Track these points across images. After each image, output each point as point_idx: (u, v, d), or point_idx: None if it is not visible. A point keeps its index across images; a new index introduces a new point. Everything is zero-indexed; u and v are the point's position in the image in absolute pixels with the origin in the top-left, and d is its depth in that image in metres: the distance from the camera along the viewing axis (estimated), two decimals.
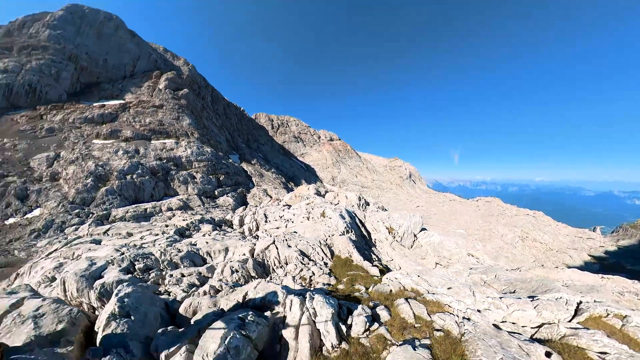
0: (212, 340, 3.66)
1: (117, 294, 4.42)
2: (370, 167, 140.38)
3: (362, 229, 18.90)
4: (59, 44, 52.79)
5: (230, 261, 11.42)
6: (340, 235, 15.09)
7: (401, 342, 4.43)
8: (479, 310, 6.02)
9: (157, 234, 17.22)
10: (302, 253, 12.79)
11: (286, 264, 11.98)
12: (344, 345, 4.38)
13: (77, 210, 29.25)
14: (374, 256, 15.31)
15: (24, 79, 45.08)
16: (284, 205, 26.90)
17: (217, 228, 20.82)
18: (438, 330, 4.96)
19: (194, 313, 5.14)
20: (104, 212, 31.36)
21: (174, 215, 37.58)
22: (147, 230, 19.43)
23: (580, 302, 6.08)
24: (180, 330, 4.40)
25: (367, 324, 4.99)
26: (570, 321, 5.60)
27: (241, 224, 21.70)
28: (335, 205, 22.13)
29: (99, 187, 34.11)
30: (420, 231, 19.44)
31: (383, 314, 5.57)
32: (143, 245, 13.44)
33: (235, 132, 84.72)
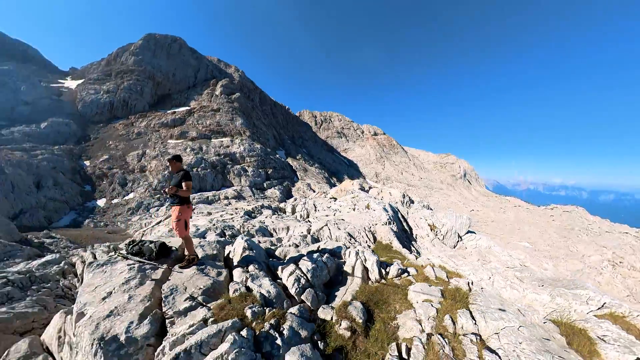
0: (307, 262, 6.10)
1: (242, 238, 6.77)
2: (417, 163, 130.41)
3: (404, 224, 19.28)
4: (141, 67, 64.18)
5: (292, 236, 13.53)
6: (382, 225, 16.46)
7: (421, 281, 6.55)
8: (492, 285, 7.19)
9: (232, 214, 20.97)
10: (350, 235, 14.80)
11: (337, 241, 13.69)
12: (382, 281, 6.57)
13: (158, 195, 34.82)
14: (413, 249, 16.20)
15: (120, 96, 56.25)
16: (330, 198, 28.70)
17: (275, 213, 22.96)
18: (451, 286, 6.40)
19: (285, 256, 7.37)
20: None
21: (229, 203, 41.58)
22: (222, 211, 22.61)
23: (605, 303, 5.70)
24: (282, 260, 6.82)
25: (399, 271, 7.16)
26: (587, 314, 5.54)
27: (293, 211, 23.75)
28: (379, 200, 23.11)
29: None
30: (467, 233, 18.39)
31: (411, 271, 7.52)
32: (225, 221, 17.26)
33: (281, 129, 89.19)
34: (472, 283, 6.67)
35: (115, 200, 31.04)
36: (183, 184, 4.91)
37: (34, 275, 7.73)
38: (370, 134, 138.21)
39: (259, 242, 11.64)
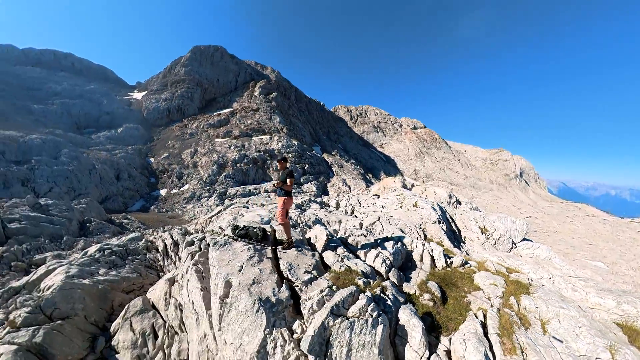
0: (388, 248, 6.92)
1: (322, 227, 7.65)
2: (463, 160, 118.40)
3: (453, 225, 18.81)
4: (190, 76, 71.51)
5: (347, 229, 13.79)
6: (432, 223, 16.68)
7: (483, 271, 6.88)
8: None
9: None
10: (401, 231, 15.02)
11: (389, 234, 13.94)
12: (448, 269, 7.12)
13: (207, 187, 38.40)
14: (462, 250, 15.53)
15: (175, 103, 63.62)
16: (373, 195, 28.62)
17: (322, 207, 23.79)
18: (512, 278, 6.59)
19: (357, 243, 7.87)
20: (223, 190, 39.60)
21: (269, 196, 43.62)
22: (273, 203, 23.89)
23: None
24: (356, 246, 7.34)
25: (462, 262, 7.60)
26: None
27: (337, 206, 24.53)
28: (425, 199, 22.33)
29: (220, 172, 43.51)
30: (522, 241, 16.85)
31: (472, 263, 7.90)
32: None
33: (316, 125, 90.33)
34: (531, 280, 6.69)
35: (173, 191, 35.32)
36: (288, 180, 5.71)
37: (129, 248, 9.29)
38: (409, 127, 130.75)
39: None
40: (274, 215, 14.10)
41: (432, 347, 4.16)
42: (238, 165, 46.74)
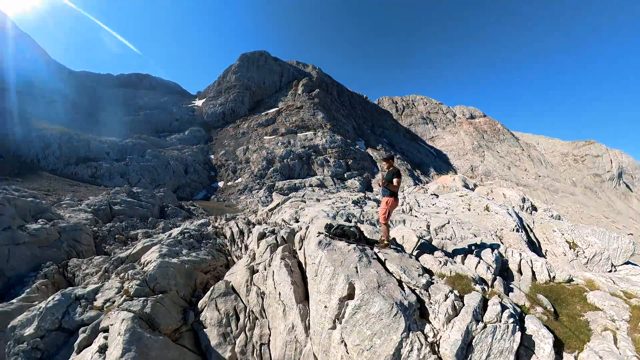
0: (489, 255, 6.53)
1: (411, 228, 7.96)
2: (535, 155, 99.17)
3: (531, 235, 16.20)
4: (240, 81, 77.99)
5: (413, 229, 13.78)
6: (510, 231, 14.96)
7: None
8: None
9: (344, 203, 20.12)
10: (475, 236, 13.78)
11: (461, 240, 12.91)
12: (552, 283, 6.43)
13: (257, 181, 41.39)
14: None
15: (229, 106, 70.38)
16: (431, 194, 26.17)
17: (379, 204, 22.88)
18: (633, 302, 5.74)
19: (443, 247, 7.91)
20: (271, 183, 42.07)
21: (313, 190, 44.56)
22: (328, 198, 23.61)
23: None
24: (443, 249, 7.31)
25: (568, 277, 6.72)
26: None
27: None
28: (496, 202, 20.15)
29: (269, 167, 46.37)
30: (625, 264, 12.64)
31: (580, 281, 6.91)
32: (345, 208, 17.27)
33: (360, 119, 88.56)
34: None
35: (229, 183, 39.27)
36: (394, 180, 5.42)
37: (203, 233, 10.50)
38: (464, 117, 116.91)
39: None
40: (337, 212, 13.79)
41: None
42: (285, 160, 49.03)
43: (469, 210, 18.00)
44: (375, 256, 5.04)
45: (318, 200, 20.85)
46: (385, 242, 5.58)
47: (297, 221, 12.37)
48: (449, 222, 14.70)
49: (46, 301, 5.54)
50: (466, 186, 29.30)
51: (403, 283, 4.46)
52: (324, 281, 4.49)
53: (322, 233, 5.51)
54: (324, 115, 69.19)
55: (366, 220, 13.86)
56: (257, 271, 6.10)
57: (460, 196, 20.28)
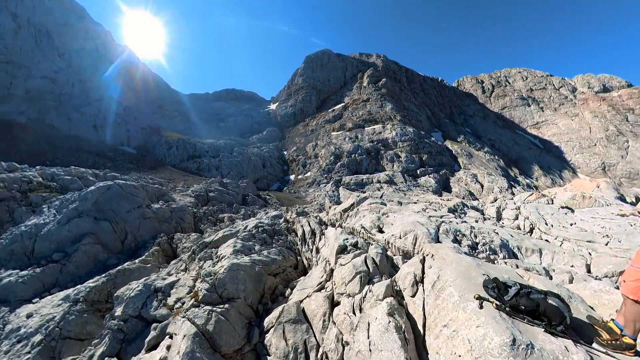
0: None
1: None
2: None
3: None
4: (306, 82, 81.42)
5: (562, 268, 8.18)
6: None
7: None
8: None
9: (439, 211, 14.15)
10: None
11: None
12: None
13: (325, 175, 42.02)
14: None
15: (298, 107, 74.76)
16: (560, 207, 17.05)
17: (482, 214, 16.19)
18: None
19: None
20: (338, 178, 41.83)
21: (381, 187, 41.77)
22: (412, 202, 16.81)
23: None
24: None
25: None
26: None
27: (499, 216, 15.79)
28: None
29: (336, 162, 46.44)
30: None
31: None
32: (441, 218, 11.66)
33: (435, 107, 78.60)
34: None
35: (299, 176, 41.62)
36: None
37: (275, 228, 10.20)
38: (590, 91, 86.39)
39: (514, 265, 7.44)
40: (438, 226, 8.68)
41: None
42: (352, 155, 48.10)
43: None
44: None
45: (400, 203, 14.93)
46: (629, 341, 2.54)
47: (380, 231, 9.23)
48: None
49: (131, 289, 5.93)
50: (621, 198, 19.16)
51: None
52: None
53: (484, 299, 2.99)
54: (393, 105, 64.43)
55: (484, 243, 8.87)
56: (339, 303, 4.86)
57: (621, 215, 12.96)
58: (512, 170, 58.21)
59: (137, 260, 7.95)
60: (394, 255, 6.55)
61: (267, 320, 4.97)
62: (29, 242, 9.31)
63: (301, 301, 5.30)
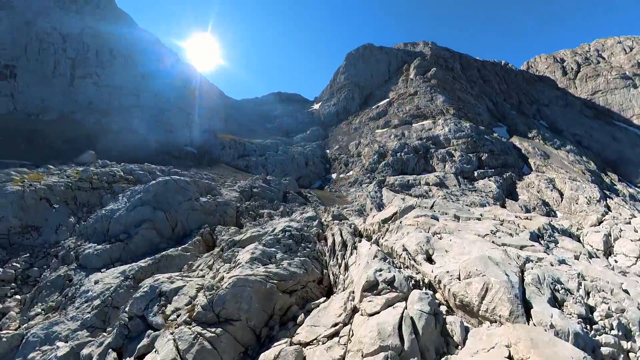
0: None
1: None
2: None
3: None
4: (348, 80, 79.99)
5: None
6: None
7: None
8: None
9: (516, 234, 8.92)
10: None
11: None
12: None
13: (368, 174, 40.42)
14: None
15: (341, 105, 74.13)
16: None
17: (580, 243, 9.13)
18: None
19: None
20: (382, 178, 39.63)
21: (430, 189, 37.82)
22: (476, 218, 8.11)
23: None
24: None
25: None
26: None
27: (608, 251, 8.27)
28: None
29: (380, 161, 44.27)
30: None
31: None
32: (528, 257, 7.06)
33: (498, 96, 68.23)
34: None
35: (341, 175, 41.16)
36: None
37: (304, 234, 9.27)
38: None
39: None
40: (521, 266, 5.76)
41: None
42: (398, 154, 45.23)
43: None
44: None
45: (458, 218, 9.04)
46: None
47: (429, 259, 6.52)
48: None
49: (137, 290, 6.01)
50: None
51: None
52: None
53: None
54: (445, 98, 58.31)
55: (606, 315, 4.82)
56: None
57: None
58: (608, 175, 46.08)
59: (179, 248, 8.52)
60: (446, 306, 4.78)
61: (262, 358, 4.30)
62: (106, 223, 11.07)
63: (305, 345, 4.34)
